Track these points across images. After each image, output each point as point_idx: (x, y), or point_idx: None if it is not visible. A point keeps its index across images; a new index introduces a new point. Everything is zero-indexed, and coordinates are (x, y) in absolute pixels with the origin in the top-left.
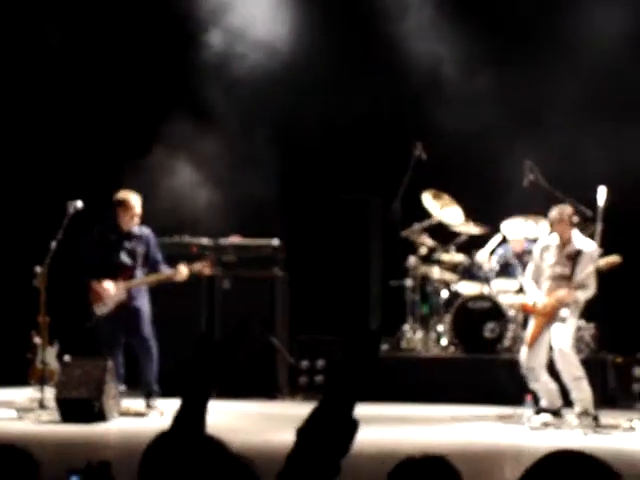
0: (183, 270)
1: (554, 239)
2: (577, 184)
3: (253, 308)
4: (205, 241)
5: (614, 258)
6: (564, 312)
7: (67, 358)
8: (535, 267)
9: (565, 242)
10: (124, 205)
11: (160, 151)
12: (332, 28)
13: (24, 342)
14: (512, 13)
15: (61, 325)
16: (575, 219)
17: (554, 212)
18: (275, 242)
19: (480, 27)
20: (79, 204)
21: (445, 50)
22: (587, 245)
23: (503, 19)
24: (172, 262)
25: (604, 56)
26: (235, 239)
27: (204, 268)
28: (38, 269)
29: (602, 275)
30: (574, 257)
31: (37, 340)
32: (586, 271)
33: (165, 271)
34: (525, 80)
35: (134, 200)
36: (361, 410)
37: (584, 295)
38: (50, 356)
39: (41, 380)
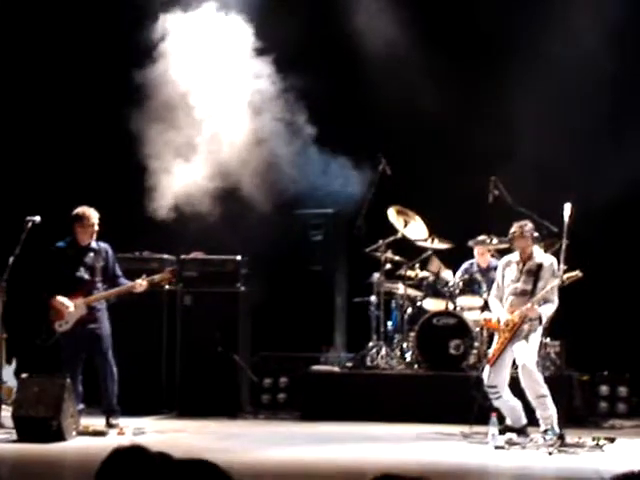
0: (142, 282)
1: (515, 255)
2: (543, 201)
3: (215, 324)
4: (166, 256)
5: (575, 273)
6: (527, 329)
7: (25, 376)
8: (497, 284)
9: (526, 258)
10: (81, 220)
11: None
12: None
13: None
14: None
15: (19, 342)
16: (536, 235)
17: (514, 228)
18: (238, 257)
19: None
20: (37, 219)
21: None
22: (547, 259)
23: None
24: (133, 277)
25: (576, 72)
26: (197, 254)
27: (165, 279)
28: None
29: (567, 292)
30: (535, 272)
31: None
32: (549, 286)
33: (124, 284)
34: (493, 95)
35: (91, 215)
36: (325, 428)
37: (548, 310)
38: (7, 374)
39: None
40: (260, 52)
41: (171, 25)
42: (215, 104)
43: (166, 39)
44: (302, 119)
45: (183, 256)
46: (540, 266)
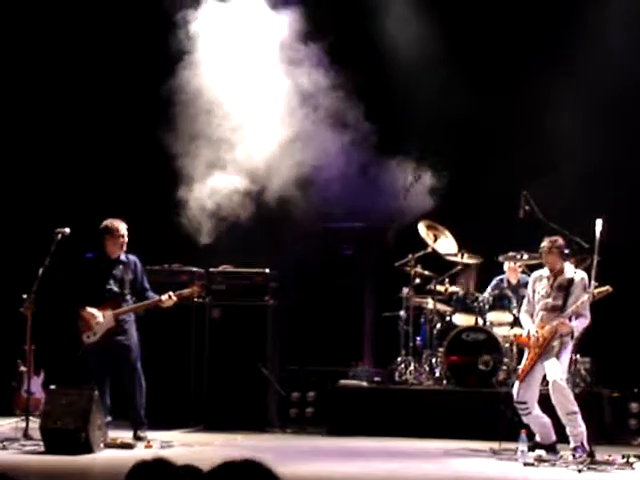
0: (170, 296)
1: (546, 270)
2: (574, 216)
3: (243, 338)
4: (195, 269)
5: (606, 288)
6: (558, 345)
7: (53, 387)
8: (528, 299)
9: (557, 273)
10: (110, 232)
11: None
12: None
13: (9, 370)
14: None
15: (47, 354)
16: (566, 251)
17: (545, 243)
18: (266, 271)
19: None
20: (67, 231)
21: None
22: (578, 274)
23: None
24: (162, 290)
25: (613, 86)
26: (226, 268)
27: (194, 293)
28: (25, 296)
29: (598, 308)
30: (566, 287)
31: (22, 369)
32: (579, 301)
33: (152, 298)
34: (528, 109)
35: (120, 227)
36: (353, 443)
37: (580, 324)
38: (36, 385)
39: (26, 409)
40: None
41: (203, 23)
42: (249, 110)
43: (198, 41)
44: (343, 120)
45: (212, 269)
46: (571, 281)
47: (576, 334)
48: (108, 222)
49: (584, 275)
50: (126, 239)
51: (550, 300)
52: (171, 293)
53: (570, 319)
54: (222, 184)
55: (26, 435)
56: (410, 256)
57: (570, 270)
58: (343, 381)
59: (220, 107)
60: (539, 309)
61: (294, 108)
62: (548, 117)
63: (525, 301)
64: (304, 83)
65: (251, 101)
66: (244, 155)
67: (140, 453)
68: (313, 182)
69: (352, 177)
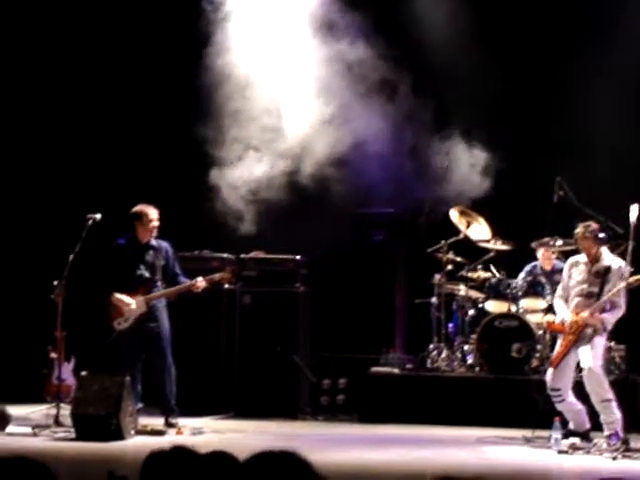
0: (201, 281)
1: (583, 256)
2: (610, 202)
3: (274, 324)
4: (226, 255)
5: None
6: (592, 332)
7: (84, 373)
8: (563, 284)
9: (593, 259)
10: (141, 218)
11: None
12: None
13: (40, 357)
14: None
15: (78, 340)
16: (601, 236)
17: (578, 229)
18: (297, 257)
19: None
20: (98, 217)
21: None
22: (616, 262)
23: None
24: (192, 277)
25: None
26: (257, 254)
27: (225, 278)
28: (55, 283)
29: (633, 295)
30: (603, 274)
31: (53, 355)
32: (615, 289)
33: (184, 283)
34: (560, 94)
35: (151, 213)
36: (384, 431)
37: (613, 316)
38: (66, 372)
39: (57, 396)
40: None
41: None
42: (285, 88)
43: (229, 19)
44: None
45: (243, 255)
46: (608, 269)
47: (608, 327)
48: (139, 208)
49: (622, 263)
50: (157, 225)
51: (586, 286)
52: (201, 278)
53: (604, 309)
54: (254, 168)
55: (57, 422)
56: (442, 242)
57: (608, 257)
58: (374, 368)
59: (253, 86)
60: (574, 295)
61: (329, 85)
62: (583, 101)
63: (560, 287)
64: (343, 57)
65: (286, 79)
66: (277, 136)
67: (171, 440)
68: (349, 163)
69: (390, 158)
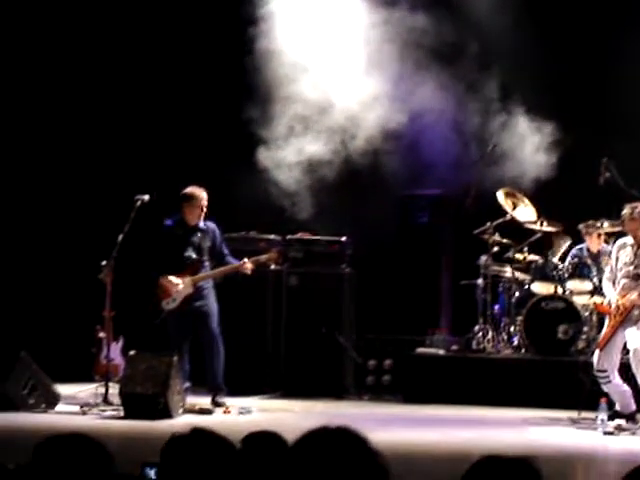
0: (248, 262)
1: (630, 239)
2: None
3: (320, 305)
4: (272, 237)
5: None
6: (639, 314)
7: (133, 353)
8: (611, 266)
9: None
10: (190, 200)
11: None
12: None
13: (89, 337)
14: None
15: (126, 320)
16: None
17: (625, 210)
18: (343, 239)
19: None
20: (146, 198)
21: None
22: None
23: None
24: (239, 257)
25: None
26: (303, 235)
27: (271, 259)
28: (104, 263)
29: None
30: None
31: (102, 335)
32: None
33: (231, 264)
34: (606, 74)
35: (200, 195)
36: (429, 411)
37: None
38: (115, 351)
39: (105, 375)
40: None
41: None
42: (334, 64)
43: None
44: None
45: (289, 236)
46: None
47: None
48: (189, 190)
49: None
50: (205, 208)
51: (632, 268)
52: (246, 260)
53: None
54: (302, 148)
55: (106, 400)
56: (488, 224)
57: None
58: (420, 349)
59: (302, 63)
60: (621, 276)
61: (382, 57)
62: (630, 82)
63: (608, 269)
64: (399, 24)
65: (338, 51)
66: (326, 114)
67: (219, 419)
68: (400, 141)
69: (443, 136)
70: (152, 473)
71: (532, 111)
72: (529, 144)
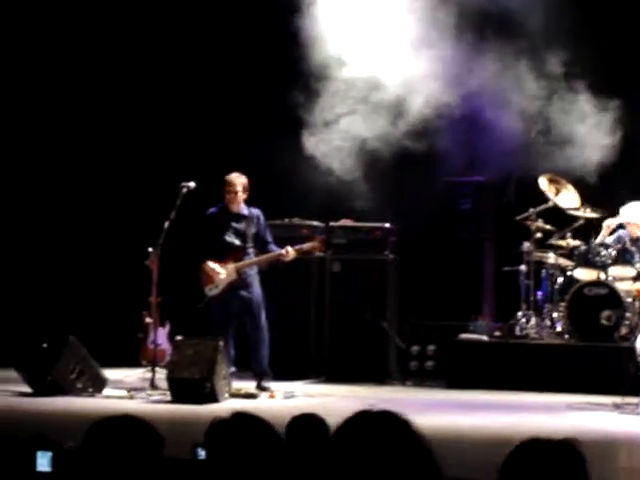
0: (290, 250)
1: None
2: None
3: (363, 292)
4: (316, 223)
5: None
6: None
7: (179, 338)
8: None
9: None
10: (229, 187)
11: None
12: None
13: (135, 322)
14: None
15: (172, 305)
16: None
17: None
18: (386, 225)
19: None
20: (192, 185)
21: None
22: None
23: None
24: (283, 244)
25: None
26: (346, 222)
27: (314, 248)
28: (151, 249)
29: None
30: None
31: (148, 320)
32: None
33: (274, 251)
34: None
35: (237, 182)
36: (472, 397)
37: None
38: (161, 336)
39: (152, 360)
40: None
41: None
42: (379, 44)
43: None
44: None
45: (332, 223)
46: None
47: None
48: (228, 177)
49: None
50: (242, 194)
51: None
52: (289, 248)
53: None
54: (345, 134)
55: (153, 385)
56: (531, 210)
57: None
58: (463, 335)
59: (349, 45)
60: None
61: (431, 33)
62: None
63: None
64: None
65: (384, 27)
66: (372, 99)
67: (264, 403)
68: (447, 125)
69: (494, 120)
70: (204, 454)
71: (594, 90)
72: (590, 125)
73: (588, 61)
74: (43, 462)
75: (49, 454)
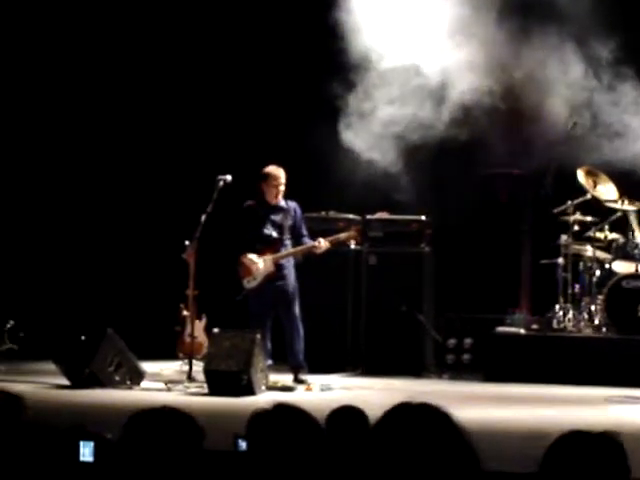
0: (322, 242)
1: None
2: None
3: (399, 284)
4: (352, 216)
5: None
6: None
7: (216, 331)
8: None
9: None
10: (268, 179)
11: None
12: None
13: (173, 315)
14: None
15: (209, 298)
16: None
17: None
18: (423, 218)
19: None
20: (229, 178)
21: None
22: None
23: None
24: (318, 237)
25: None
26: (382, 215)
27: (351, 237)
28: (187, 243)
29: None
30: None
31: (185, 313)
32: None
33: (307, 243)
34: None
35: (278, 175)
36: (510, 390)
37: None
38: (198, 329)
39: (189, 353)
40: None
41: None
42: (419, 32)
43: None
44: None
45: (368, 216)
46: None
47: None
48: (267, 169)
49: None
50: (283, 187)
51: None
52: (321, 239)
53: None
54: (382, 126)
55: (190, 377)
56: (569, 203)
57: None
58: (500, 328)
59: (387, 34)
60: None
61: (473, 20)
62: None
63: None
64: None
65: (424, 14)
66: (405, 93)
67: (301, 396)
68: (488, 114)
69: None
70: (244, 445)
71: None
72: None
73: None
74: (85, 452)
75: (91, 444)
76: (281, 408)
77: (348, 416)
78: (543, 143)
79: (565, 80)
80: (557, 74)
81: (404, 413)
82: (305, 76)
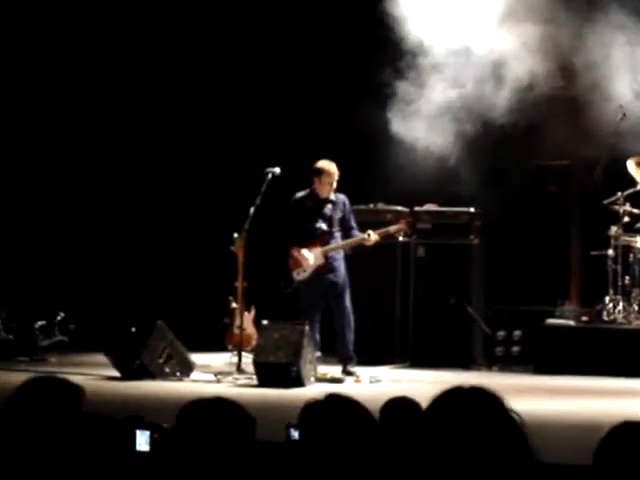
0: (372, 234)
1: None
2: None
3: (448, 276)
4: (400, 208)
5: None
6: None
7: (265, 322)
8: None
9: None
10: (322, 174)
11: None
12: None
13: (222, 307)
14: None
15: (258, 290)
16: None
17: None
18: (471, 210)
19: None
20: (277, 171)
21: None
22: None
23: None
24: (367, 230)
25: None
26: (431, 206)
27: (400, 230)
28: (236, 235)
29: None
30: None
31: (234, 305)
32: None
33: (356, 237)
34: None
35: (332, 169)
36: (560, 382)
37: None
38: (247, 321)
39: (238, 345)
40: None
41: None
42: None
43: None
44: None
45: (417, 208)
46: None
47: None
48: (321, 164)
49: None
50: (336, 183)
51: None
52: (371, 232)
53: None
54: (432, 116)
55: (239, 369)
56: (619, 194)
57: None
58: (550, 320)
59: (436, 22)
60: None
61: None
62: None
63: None
64: None
65: (474, 6)
66: (457, 81)
67: (350, 388)
68: (549, 101)
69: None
70: (297, 434)
71: None
72: None
73: None
74: (142, 441)
75: (147, 433)
76: (334, 398)
77: (402, 407)
78: (598, 132)
79: (630, 64)
80: (622, 57)
81: (457, 397)
82: (356, 65)
